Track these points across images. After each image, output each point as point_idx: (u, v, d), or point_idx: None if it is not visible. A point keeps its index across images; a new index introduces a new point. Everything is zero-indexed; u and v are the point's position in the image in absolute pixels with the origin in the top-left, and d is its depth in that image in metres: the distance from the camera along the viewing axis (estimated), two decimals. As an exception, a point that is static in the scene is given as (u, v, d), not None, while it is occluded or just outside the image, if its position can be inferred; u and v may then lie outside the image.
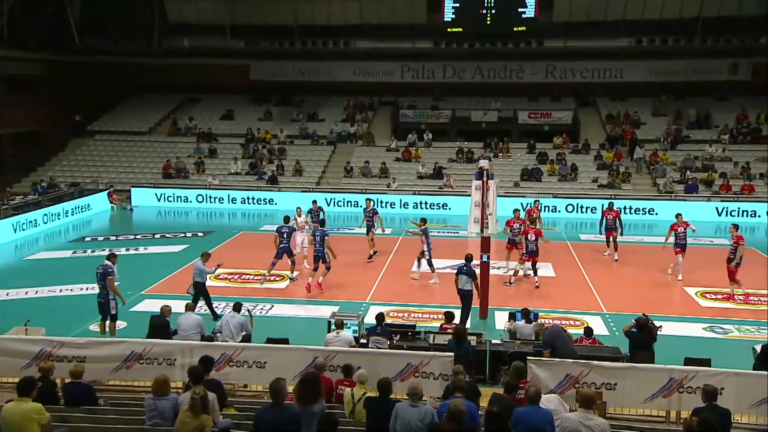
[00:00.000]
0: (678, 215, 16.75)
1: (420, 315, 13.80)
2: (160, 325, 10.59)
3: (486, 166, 20.59)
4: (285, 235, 16.12)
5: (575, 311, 14.06)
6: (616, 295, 15.22)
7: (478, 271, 13.01)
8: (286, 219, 16.79)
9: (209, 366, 8.08)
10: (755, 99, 30.60)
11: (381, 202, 26.34)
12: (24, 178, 29.83)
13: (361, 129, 32.47)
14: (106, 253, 18.76)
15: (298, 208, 18.58)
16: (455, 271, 13.18)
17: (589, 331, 11.03)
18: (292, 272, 16.18)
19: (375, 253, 18.36)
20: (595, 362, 8.89)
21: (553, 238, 22.12)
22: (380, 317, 10.70)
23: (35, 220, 22.53)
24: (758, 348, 10.07)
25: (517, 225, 17.11)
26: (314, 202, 19.66)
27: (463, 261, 13.08)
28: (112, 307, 11.78)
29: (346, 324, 10.77)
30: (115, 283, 11.86)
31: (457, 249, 20.30)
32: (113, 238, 21.55)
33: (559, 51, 32.40)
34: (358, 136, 32.15)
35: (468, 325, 12.13)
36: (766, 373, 8.65)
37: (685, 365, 9.24)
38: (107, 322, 11.89)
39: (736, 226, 15.22)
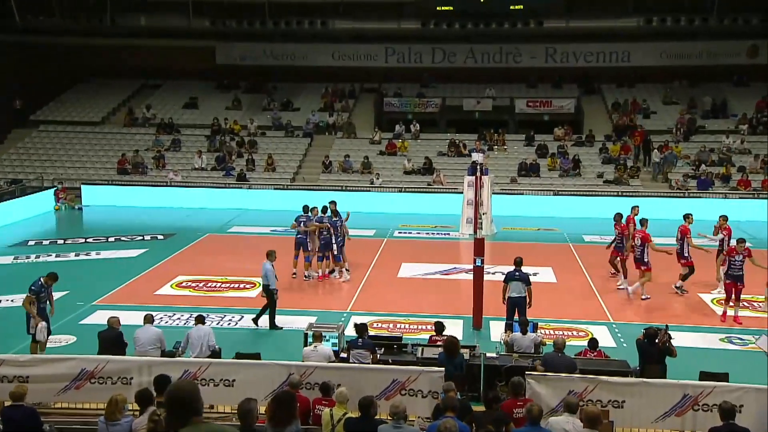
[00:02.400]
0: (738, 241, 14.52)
1: (407, 326, 13.80)
2: (111, 339, 10.49)
3: (480, 160, 20.61)
4: (302, 225, 16.66)
5: (578, 321, 14.14)
6: (623, 303, 15.33)
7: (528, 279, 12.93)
8: (305, 208, 17.19)
9: (165, 385, 8.00)
10: (776, 85, 31.07)
11: (362, 200, 26.36)
12: (-42, 175, 29.46)
13: (340, 119, 32.42)
14: (52, 258, 18.79)
15: (314, 207, 17.41)
16: (503, 278, 13.05)
17: (594, 342, 11.09)
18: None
19: (333, 272, 17.31)
20: (601, 377, 8.93)
21: (554, 239, 22.29)
22: (362, 328, 10.68)
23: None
24: (763, 343, 10.18)
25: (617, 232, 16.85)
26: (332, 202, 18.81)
27: (513, 266, 12.98)
28: (31, 326, 11.44)
29: (325, 336, 10.74)
30: (30, 304, 11.43)
31: (448, 252, 20.40)
32: (60, 241, 21.32)
33: (561, 32, 32.62)
34: (338, 127, 32.11)
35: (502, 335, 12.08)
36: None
37: (700, 380, 9.33)
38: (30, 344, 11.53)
39: (725, 217, 15.64)
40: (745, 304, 15.13)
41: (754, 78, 32.25)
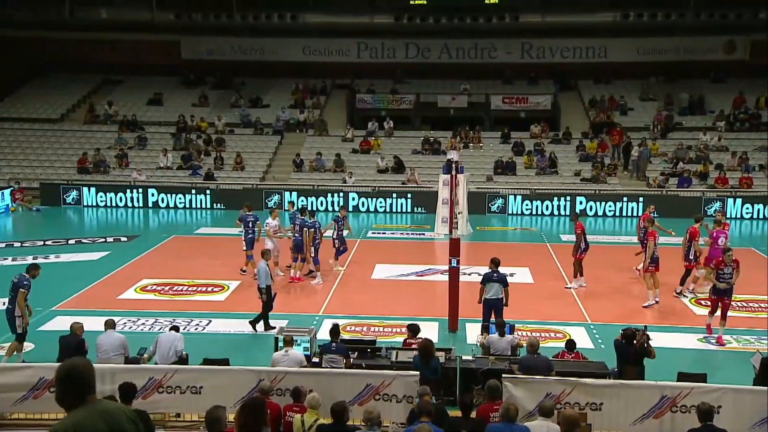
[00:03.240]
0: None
1: (381, 329, 13.81)
2: (74, 345, 10.34)
3: (455, 158, 20.82)
4: (297, 227, 16.96)
5: (556, 322, 14.26)
6: (601, 304, 15.50)
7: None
8: (303, 210, 17.74)
9: (130, 394, 7.93)
10: (754, 81, 31.69)
11: (334, 201, 26.36)
12: None
13: (312, 116, 32.34)
14: (8, 262, 18.45)
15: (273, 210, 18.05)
16: (480, 279, 13.11)
17: (571, 344, 11.20)
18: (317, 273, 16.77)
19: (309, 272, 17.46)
20: (578, 379, 9.02)
21: (531, 239, 22.48)
22: (335, 330, 10.66)
23: None
24: (757, 361, 10.37)
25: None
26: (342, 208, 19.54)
27: (490, 266, 13.04)
28: (17, 325, 11.58)
29: (296, 341, 10.71)
30: (26, 301, 11.57)
31: (423, 252, 20.45)
32: (17, 244, 20.94)
33: (537, 27, 32.94)
34: (309, 124, 32.02)
35: (473, 339, 12.10)
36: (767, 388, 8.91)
37: (678, 381, 9.47)
38: (12, 343, 11.66)
39: (652, 220, 15.73)
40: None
41: (731, 74, 32.92)
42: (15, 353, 11.55)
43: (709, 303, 13.77)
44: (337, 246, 17.75)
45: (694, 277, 16.02)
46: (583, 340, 12.86)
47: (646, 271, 15.17)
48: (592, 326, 14.05)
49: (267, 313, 13.60)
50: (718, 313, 13.27)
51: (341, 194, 26.66)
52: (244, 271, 17.39)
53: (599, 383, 9.07)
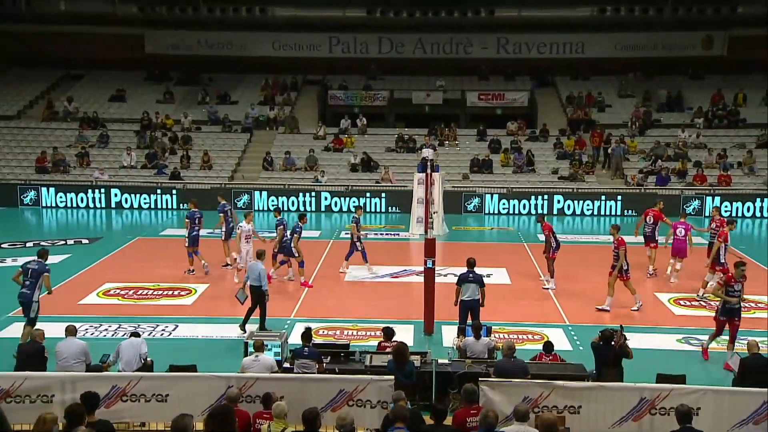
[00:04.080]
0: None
1: (354, 332, 13.81)
2: (33, 353, 10.19)
3: (430, 156, 20.78)
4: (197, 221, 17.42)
5: (533, 323, 14.37)
6: (579, 304, 15.65)
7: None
8: (278, 211, 18.48)
9: (93, 403, 7.83)
10: (732, 77, 32.29)
11: (306, 200, 26.31)
12: None
13: (282, 113, 32.21)
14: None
15: (249, 213, 18.18)
16: (456, 280, 13.20)
17: (549, 346, 11.31)
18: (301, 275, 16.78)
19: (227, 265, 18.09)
20: (556, 382, 9.09)
21: (508, 239, 22.63)
22: (307, 334, 10.62)
23: None
24: (735, 363, 10.54)
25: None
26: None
27: (466, 267, 13.13)
28: (33, 309, 12.41)
29: (267, 345, 10.66)
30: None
31: (397, 253, 20.48)
32: (-28, 247, 20.57)
33: (513, 22, 33.13)
34: (279, 121, 31.89)
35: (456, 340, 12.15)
36: (746, 390, 9.06)
37: (657, 382, 9.59)
38: (27, 328, 12.30)
39: (617, 227, 15.59)
40: (703, 303, 15.66)
41: (709, 70, 33.42)
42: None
43: (689, 303, 13.90)
44: (359, 248, 17.69)
45: (704, 282, 16.02)
46: (561, 342, 12.99)
47: (621, 279, 15.04)
48: (570, 327, 14.18)
49: (265, 315, 13.55)
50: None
51: (313, 194, 26.63)
52: (193, 271, 17.69)
53: (577, 386, 9.15)
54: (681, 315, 15.09)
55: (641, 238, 18.15)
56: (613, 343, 10.37)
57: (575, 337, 13.54)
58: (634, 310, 15.05)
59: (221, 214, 18.19)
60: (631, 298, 15.24)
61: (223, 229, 18.18)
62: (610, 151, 28.64)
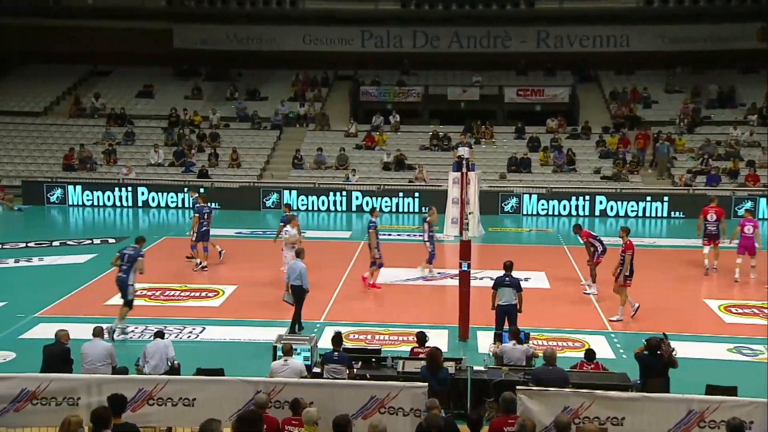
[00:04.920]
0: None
1: (386, 337, 13.79)
2: (58, 355, 10.36)
3: (466, 154, 20.80)
4: (206, 217, 17.89)
5: (573, 330, 14.23)
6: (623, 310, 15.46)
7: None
8: (288, 206, 19.16)
9: (120, 406, 7.93)
10: (789, 71, 31.58)
11: (336, 200, 26.41)
12: None
13: (312, 110, 32.37)
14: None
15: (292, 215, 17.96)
16: (492, 283, 13.17)
17: (590, 354, 11.17)
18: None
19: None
20: (598, 392, 8.99)
21: (547, 241, 22.45)
22: (337, 338, 10.66)
23: None
24: None
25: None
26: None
27: (503, 270, 13.08)
28: (129, 292, 13.58)
29: (296, 349, 10.70)
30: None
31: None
32: (-1, 246, 21.04)
33: (554, 14, 32.88)
34: (310, 118, 32.05)
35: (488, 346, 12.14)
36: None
37: (706, 394, 9.44)
38: (123, 308, 13.66)
39: (626, 230, 15.40)
40: (755, 311, 15.38)
41: (764, 64, 32.72)
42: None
43: (740, 311, 13.66)
44: (430, 249, 17.73)
45: None
46: (603, 350, 12.82)
47: (623, 285, 14.81)
48: (612, 335, 14.01)
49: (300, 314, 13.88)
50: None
51: (344, 193, 26.70)
52: (206, 267, 18.20)
53: (621, 396, 9.03)
54: (732, 323, 14.81)
55: (667, 240, 18.05)
56: (660, 352, 10.20)
57: (618, 345, 13.37)
58: (614, 320, 14.71)
59: (196, 215, 18.38)
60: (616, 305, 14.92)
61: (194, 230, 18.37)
62: (656, 150, 28.25)
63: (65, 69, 34.94)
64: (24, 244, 21.04)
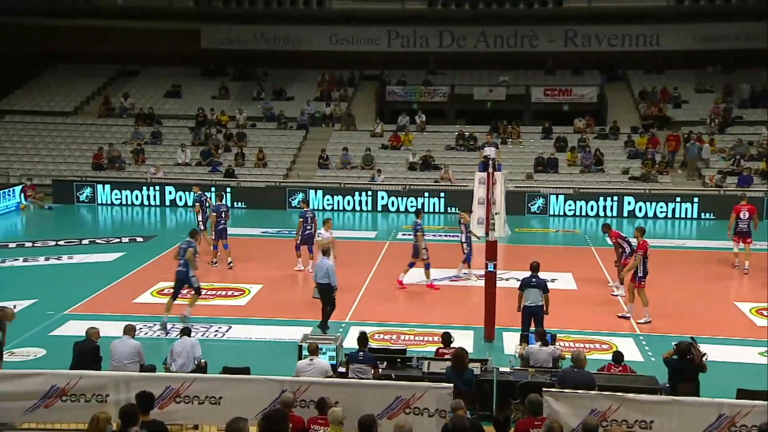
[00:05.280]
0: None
1: (411, 337, 13.80)
2: (88, 352, 10.49)
3: (492, 154, 20.60)
4: (309, 221, 17.99)
5: (601, 332, 14.12)
6: (651, 312, 15.28)
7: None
8: (305, 202, 19.50)
9: (148, 403, 8.02)
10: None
11: (362, 200, 26.43)
12: None
13: (338, 109, 32.45)
14: (20, 263, 18.84)
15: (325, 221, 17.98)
16: (518, 284, 13.16)
17: (618, 356, 11.07)
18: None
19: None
20: (626, 395, 8.93)
21: (574, 242, 22.28)
22: (363, 338, 10.69)
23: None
24: None
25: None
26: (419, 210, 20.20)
27: (529, 271, 13.06)
28: (194, 281, 14.31)
29: (322, 349, 10.74)
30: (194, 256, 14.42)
31: (457, 256, 20.36)
32: (29, 244, 21.33)
33: (582, 13, 32.62)
34: (336, 118, 32.13)
35: (517, 348, 12.09)
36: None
37: (737, 398, 9.31)
38: (193, 295, 14.48)
39: (642, 230, 15.23)
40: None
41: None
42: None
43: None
44: (466, 252, 17.59)
45: None
46: (631, 353, 12.72)
47: (637, 286, 14.70)
48: (641, 337, 13.88)
49: (330, 313, 14.05)
50: None
51: (369, 193, 26.72)
52: (216, 263, 18.68)
53: (650, 399, 8.96)
54: (764, 326, 14.58)
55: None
56: (689, 357, 10.08)
57: (647, 348, 13.24)
58: (642, 323, 14.53)
59: (197, 204, 19.40)
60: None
61: (200, 218, 19.27)
62: (686, 150, 27.90)
63: (95, 69, 35.39)
64: (54, 243, 21.34)
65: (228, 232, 18.69)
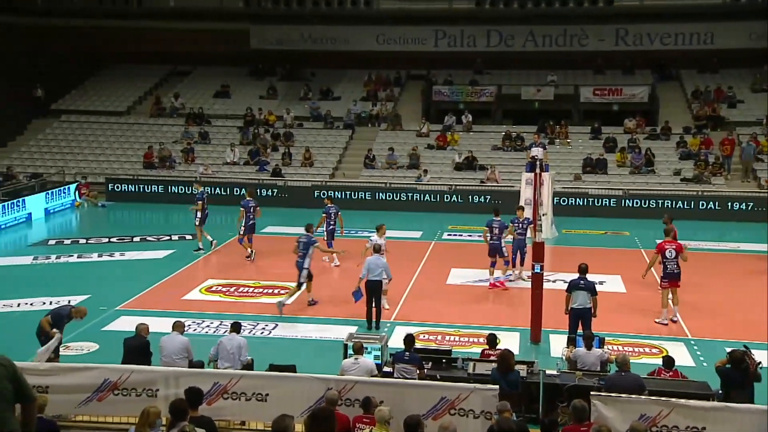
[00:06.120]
0: None
1: (456, 338, 13.77)
2: (138, 348, 10.70)
3: (539, 155, 20.50)
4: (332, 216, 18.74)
5: (651, 336, 13.90)
6: (704, 317, 15.01)
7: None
8: (329, 198, 20.20)
9: (197, 399, 8.13)
10: None
11: (408, 198, 26.41)
12: (-24, 168, 30.44)
13: (385, 109, 32.50)
14: (74, 259, 19.32)
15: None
16: (566, 286, 13.09)
17: (669, 361, 10.86)
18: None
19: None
20: (677, 400, 8.75)
21: (623, 244, 21.93)
22: (409, 340, 10.70)
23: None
24: None
25: None
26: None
27: (577, 273, 12.98)
28: (302, 275, 14.94)
29: (367, 348, 10.77)
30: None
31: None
32: (83, 241, 21.88)
33: (634, 11, 32.11)
34: (382, 117, 32.19)
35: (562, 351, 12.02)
36: None
37: (792, 406, 9.07)
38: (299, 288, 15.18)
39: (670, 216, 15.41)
40: None
41: None
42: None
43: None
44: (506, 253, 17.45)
45: None
46: (682, 357, 12.48)
47: (661, 287, 14.70)
48: (692, 342, 13.61)
49: (379, 314, 14.38)
50: None
51: (415, 193, 26.69)
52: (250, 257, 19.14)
53: (702, 405, 8.75)
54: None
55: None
56: (744, 366, 9.83)
57: (698, 353, 12.98)
58: (659, 323, 14.52)
59: (200, 201, 19.98)
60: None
61: (199, 215, 19.91)
62: (741, 151, 27.23)
63: (147, 70, 36.08)
64: (107, 240, 21.84)
65: (256, 228, 19.65)
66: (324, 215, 18.98)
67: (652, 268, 15.47)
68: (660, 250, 14.75)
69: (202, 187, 21.08)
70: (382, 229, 16.31)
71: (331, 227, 18.97)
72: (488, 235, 16.95)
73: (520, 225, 17.38)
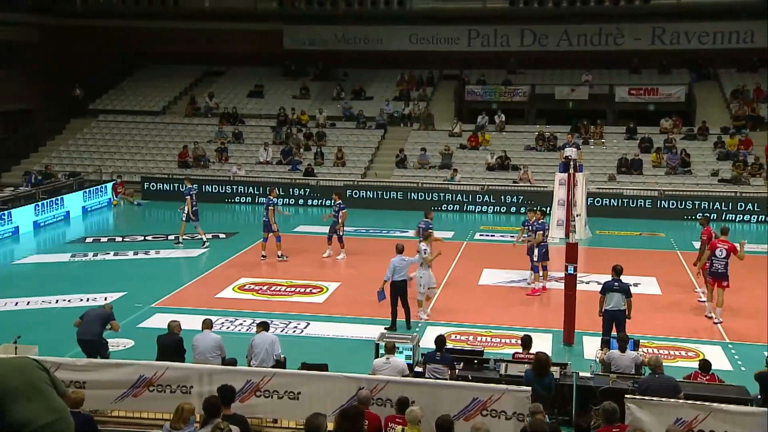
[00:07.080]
0: None
1: (489, 339, 13.70)
2: (171, 345, 10.82)
3: (573, 155, 20.35)
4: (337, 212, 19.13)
5: (687, 339, 13.70)
6: (741, 320, 14.73)
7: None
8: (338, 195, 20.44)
9: (229, 397, 8.20)
10: None
11: (440, 198, 26.35)
12: (14, 166, 31.03)
13: (417, 109, 32.46)
14: (111, 257, 19.61)
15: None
16: (600, 288, 12.96)
17: (706, 364, 10.70)
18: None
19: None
20: (714, 404, 8.62)
21: (659, 245, 21.64)
22: (441, 341, 10.69)
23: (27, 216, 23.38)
24: None
25: None
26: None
27: (611, 275, 12.85)
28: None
29: (398, 348, 10.76)
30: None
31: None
32: (119, 239, 22.20)
33: (671, 10, 31.69)
34: (414, 117, 32.15)
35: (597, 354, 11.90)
36: None
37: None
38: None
39: (707, 219, 15.29)
40: None
41: None
42: None
43: None
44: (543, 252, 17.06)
45: None
46: (719, 361, 12.28)
47: (712, 283, 14.65)
48: (730, 345, 13.38)
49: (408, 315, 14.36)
50: None
51: (447, 193, 26.62)
52: (285, 258, 19.19)
53: (739, 410, 8.62)
54: None
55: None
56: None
57: (736, 357, 12.75)
58: (711, 318, 14.50)
59: (188, 197, 20.31)
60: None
61: (186, 210, 20.35)
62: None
63: (182, 70, 36.46)
64: (142, 238, 22.13)
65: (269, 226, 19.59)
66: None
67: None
68: (712, 248, 14.59)
69: (192, 183, 21.41)
70: (430, 237, 15.34)
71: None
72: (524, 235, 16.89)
73: (530, 227, 17.08)
